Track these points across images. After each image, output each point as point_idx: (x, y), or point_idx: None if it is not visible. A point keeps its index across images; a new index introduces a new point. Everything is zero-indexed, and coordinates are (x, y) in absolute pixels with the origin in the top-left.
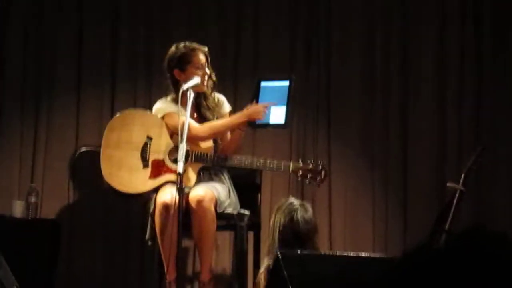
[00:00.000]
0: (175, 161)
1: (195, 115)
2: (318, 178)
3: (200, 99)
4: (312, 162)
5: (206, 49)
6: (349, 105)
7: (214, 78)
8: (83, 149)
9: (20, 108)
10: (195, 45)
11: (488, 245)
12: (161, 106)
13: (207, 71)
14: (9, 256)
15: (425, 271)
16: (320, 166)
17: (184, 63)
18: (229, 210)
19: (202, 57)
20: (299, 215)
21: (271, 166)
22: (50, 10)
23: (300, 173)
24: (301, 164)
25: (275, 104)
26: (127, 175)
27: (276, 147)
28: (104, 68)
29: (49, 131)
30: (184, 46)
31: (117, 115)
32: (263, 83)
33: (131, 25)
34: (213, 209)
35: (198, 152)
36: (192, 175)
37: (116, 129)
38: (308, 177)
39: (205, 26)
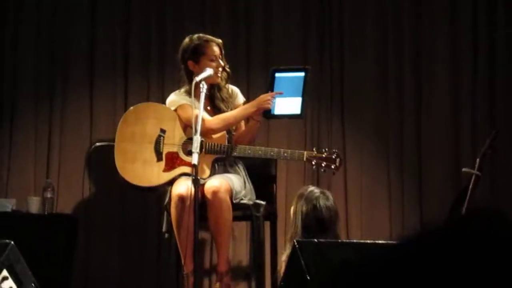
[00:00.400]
0: (189, 153)
1: (209, 107)
2: (333, 166)
3: (214, 90)
4: (326, 150)
5: (220, 41)
6: (363, 93)
7: (228, 69)
8: (98, 143)
9: (34, 103)
10: (209, 37)
11: (506, 233)
12: (175, 98)
13: (221, 63)
14: (26, 252)
15: (427, 257)
16: (335, 154)
17: (198, 54)
18: (245, 201)
19: (216, 49)
20: (321, 202)
21: (285, 155)
22: (63, 4)
23: (315, 162)
24: (315, 153)
25: (281, 94)
26: (141, 168)
27: (290, 136)
28: (117, 61)
29: (63, 126)
30: (198, 38)
31: (131, 108)
32: (278, 74)
33: (143, 17)
34: (228, 199)
35: (211, 143)
36: (206, 167)
37: (130, 122)
38: (323, 165)
39: (217, 18)
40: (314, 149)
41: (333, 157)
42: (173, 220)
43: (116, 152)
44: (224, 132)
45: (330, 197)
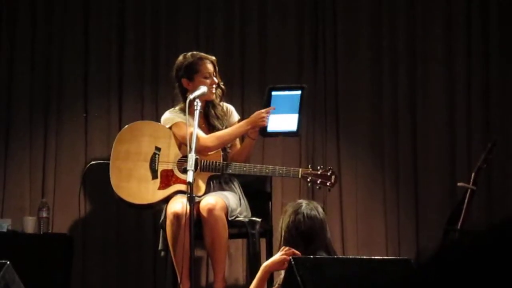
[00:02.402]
0: (184, 170)
1: (204, 124)
2: (328, 183)
3: (209, 108)
4: (321, 167)
5: (213, 58)
6: (357, 107)
7: (222, 86)
8: (93, 162)
9: (28, 122)
10: (202, 54)
11: None
12: (169, 116)
13: (215, 79)
14: (22, 272)
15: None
16: (330, 171)
17: (191, 72)
18: (241, 218)
19: (209, 66)
20: (302, 211)
21: (281, 172)
22: (56, 24)
23: (310, 179)
24: (310, 170)
25: (274, 109)
26: (137, 186)
27: (285, 152)
28: (111, 79)
29: (58, 145)
30: (192, 55)
31: (126, 127)
32: (274, 93)
33: (137, 36)
34: (224, 217)
35: (207, 161)
36: (201, 184)
37: (125, 141)
38: (318, 182)
39: (212, 35)
40: (309, 166)
41: (328, 174)
42: (168, 238)
43: (111, 170)
44: (219, 149)
45: (318, 208)
